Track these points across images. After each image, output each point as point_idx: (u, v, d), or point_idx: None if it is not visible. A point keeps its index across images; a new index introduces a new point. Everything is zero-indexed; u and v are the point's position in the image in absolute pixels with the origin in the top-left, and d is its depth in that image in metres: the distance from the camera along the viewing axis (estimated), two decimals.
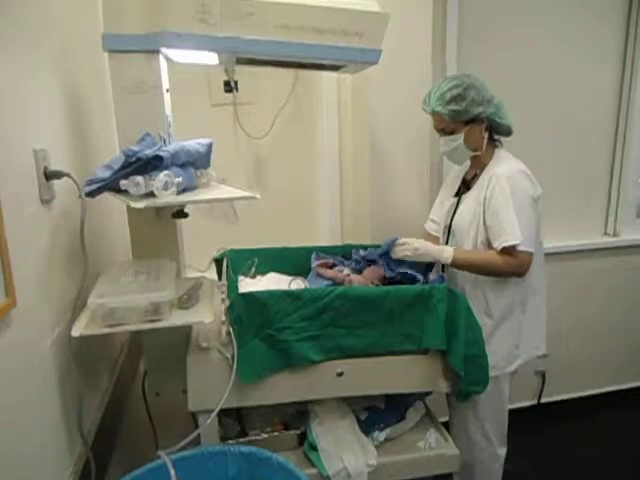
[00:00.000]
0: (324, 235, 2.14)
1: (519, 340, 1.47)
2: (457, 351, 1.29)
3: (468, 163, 1.58)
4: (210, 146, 1.30)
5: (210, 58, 1.32)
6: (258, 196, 1.14)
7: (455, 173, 1.67)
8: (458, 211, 1.54)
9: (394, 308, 1.27)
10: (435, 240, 1.63)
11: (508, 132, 1.52)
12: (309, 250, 1.65)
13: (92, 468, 1.12)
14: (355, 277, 1.50)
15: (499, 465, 1.59)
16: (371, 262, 1.57)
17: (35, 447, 0.96)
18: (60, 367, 1.09)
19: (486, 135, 1.48)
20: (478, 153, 1.50)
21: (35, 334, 1.00)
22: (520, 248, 1.36)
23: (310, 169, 2.20)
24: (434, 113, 1.49)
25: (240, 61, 1.35)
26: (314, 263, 1.57)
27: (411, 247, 1.41)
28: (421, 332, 1.29)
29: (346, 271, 1.54)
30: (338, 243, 2.04)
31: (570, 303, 2.32)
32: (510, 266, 1.38)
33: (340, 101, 2.10)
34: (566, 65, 2.13)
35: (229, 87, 2.02)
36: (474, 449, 1.53)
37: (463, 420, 1.54)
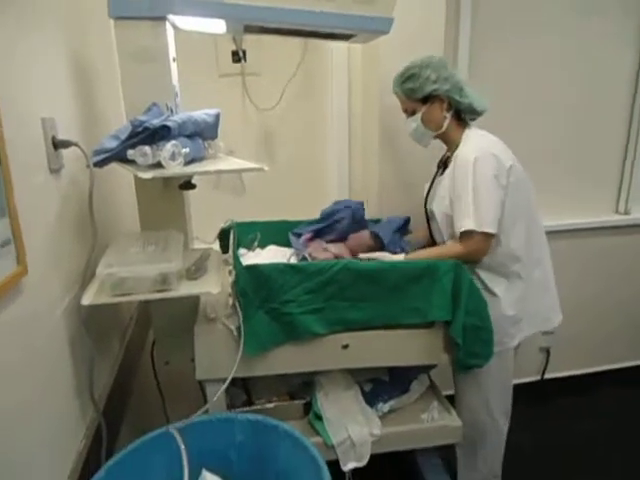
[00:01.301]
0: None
1: (522, 314, 1.46)
2: (457, 320, 1.30)
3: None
4: (218, 116, 1.29)
5: (218, 26, 1.29)
6: (266, 168, 1.14)
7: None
8: (434, 195, 1.53)
9: (399, 282, 1.27)
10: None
11: (474, 111, 1.47)
12: (310, 223, 1.65)
13: (104, 432, 1.15)
14: (344, 253, 1.52)
15: (502, 438, 1.61)
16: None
17: (50, 409, 0.98)
18: (71, 334, 1.11)
19: (448, 115, 1.46)
20: (439, 132, 1.48)
21: (47, 302, 1.02)
22: (477, 231, 1.34)
23: (319, 141, 2.18)
24: (397, 95, 1.51)
25: (248, 29, 1.32)
26: (298, 244, 1.59)
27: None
28: (427, 305, 1.30)
29: (333, 250, 1.54)
30: None
31: (579, 280, 2.31)
32: (460, 252, 1.37)
33: (350, 72, 2.06)
34: (584, 44, 2.06)
35: (237, 57, 1.98)
36: (477, 423, 1.55)
37: (467, 394, 1.55)
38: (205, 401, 1.28)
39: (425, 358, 1.41)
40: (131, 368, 1.60)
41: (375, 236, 1.55)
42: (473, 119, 1.51)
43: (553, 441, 2.11)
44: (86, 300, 1.05)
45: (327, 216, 1.65)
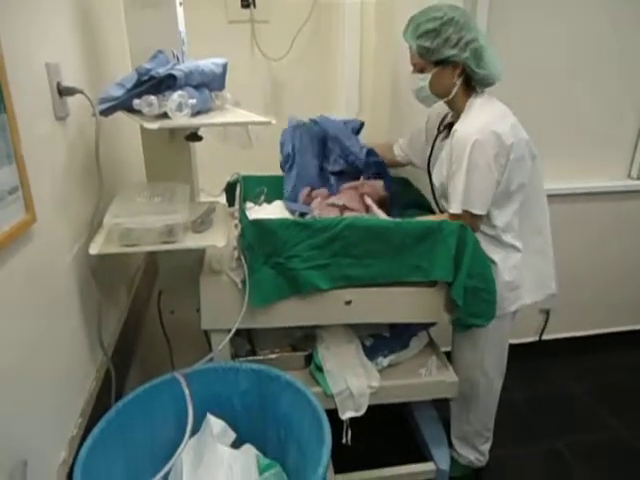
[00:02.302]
0: None
1: (520, 281, 1.47)
2: (458, 282, 1.31)
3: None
4: (225, 66, 1.26)
5: None
6: (273, 121, 1.12)
7: (434, 113, 1.56)
8: (435, 162, 1.47)
9: (404, 240, 1.28)
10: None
11: (487, 83, 1.37)
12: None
13: (112, 376, 1.20)
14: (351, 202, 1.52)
15: (494, 396, 1.66)
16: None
17: (60, 351, 1.02)
18: (80, 281, 1.14)
19: (458, 82, 1.35)
20: (445, 99, 1.38)
21: (55, 249, 1.04)
22: (463, 212, 1.33)
23: (329, 93, 2.13)
24: (407, 43, 1.36)
25: None
26: (300, 206, 1.60)
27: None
28: (430, 264, 1.31)
29: (338, 202, 1.53)
30: None
31: (588, 245, 2.31)
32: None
33: (363, 21, 1.98)
34: (605, 13, 1.96)
35: (246, 1, 1.91)
36: (471, 381, 1.59)
37: (463, 352, 1.59)
38: (210, 350, 1.32)
39: (426, 316, 1.43)
40: (138, 316, 1.65)
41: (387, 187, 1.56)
42: (482, 89, 1.41)
43: (545, 400, 2.17)
44: (93, 249, 1.07)
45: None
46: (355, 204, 1.52)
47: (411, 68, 1.40)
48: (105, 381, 1.21)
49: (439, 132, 1.52)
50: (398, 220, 1.35)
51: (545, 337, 2.47)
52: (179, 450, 1.02)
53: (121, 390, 1.30)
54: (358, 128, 1.71)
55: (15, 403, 0.82)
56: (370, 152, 1.62)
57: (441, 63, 1.33)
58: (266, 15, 1.95)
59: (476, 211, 1.33)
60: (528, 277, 1.48)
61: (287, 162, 1.69)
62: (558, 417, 2.07)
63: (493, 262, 1.43)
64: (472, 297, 1.33)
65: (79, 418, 1.08)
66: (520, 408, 2.08)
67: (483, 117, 1.33)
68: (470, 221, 1.35)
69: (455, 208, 1.34)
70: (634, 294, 2.49)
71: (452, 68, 1.33)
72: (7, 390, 0.80)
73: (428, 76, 1.35)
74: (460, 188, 1.31)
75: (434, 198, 1.56)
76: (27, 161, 0.86)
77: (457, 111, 1.41)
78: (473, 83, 1.38)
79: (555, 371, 2.36)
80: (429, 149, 1.54)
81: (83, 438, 1.00)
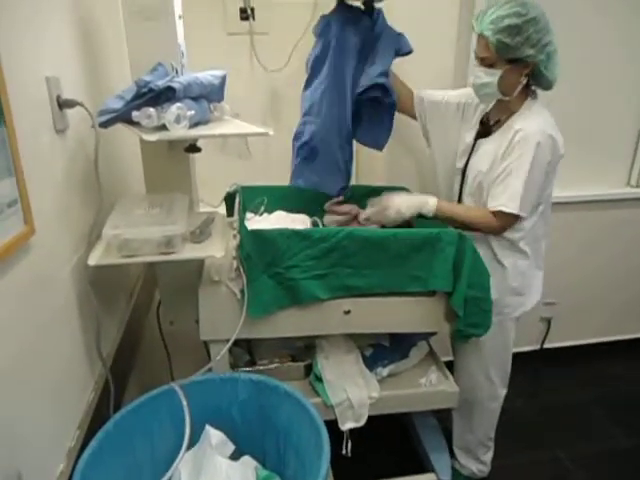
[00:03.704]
0: None
1: (523, 287, 1.47)
2: (458, 292, 1.31)
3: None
4: (224, 78, 1.27)
5: None
6: (271, 132, 1.13)
7: (473, 103, 1.49)
8: (476, 156, 1.45)
9: (402, 250, 1.28)
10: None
11: (548, 86, 1.36)
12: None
13: (111, 387, 1.20)
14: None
15: (498, 404, 1.65)
16: None
17: (59, 364, 1.02)
18: (79, 293, 1.14)
19: (524, 81, 1.32)
20: (506, 98, 1.35)
21: (54, 262, 1.04)
22: (510, 213, 1.32)
23: None
24: (481, 37, 1.29)
25: None
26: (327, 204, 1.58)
27: (393, 210, 1.39)
28: (429, 274, 1.31)
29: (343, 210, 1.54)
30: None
31: (587, 252, 2.31)
32: (491, 226, 1.35)
33: None
34: (606, 18, 1.97)
35: (245, 14, 1.93)
36: (475, 388, 1.59)
37: (467, 360, 1.58)
38: (209, 360, 1.32)
39: (426, 326, 1.43)
40: (138, 327, 1.65)
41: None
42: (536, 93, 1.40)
43: (547, 408, 2.16)
44: (92, 260, 1.07)
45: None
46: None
47: (475, 60, 1.34)
48: (104, 392, 1.21)
49: (485, 129, 1.45)
50: (396, 230, 1.35)
51: (547, 345, 2.46)
52: (176, 462, 1.02)
53: (120, 401, 1.29)
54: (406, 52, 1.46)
55: (12, 414, 0.82)
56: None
57: (515, 61, 1.28)
58: (265, 27, 1.96)
59: (523, 213, 1.33)
60: (530, 283, 1.48)
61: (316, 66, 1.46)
62: (559, 426, 2.06)
63: (503, 266, 1.43)
64: (472, 307, 1.33)
65: (77, 430, 1.07)
66: (521, 417, 2.06)
67: (541, 120, 1.33)
68: (508, 221, 1.34)
69: (513, 207, 1.31)
70: (636, 302, 2.48)
71: (523, 67, 1.29)
72: (3, 402, 0.80)
73: (497, 72, 1.29)
74: (519, 187, 1.29)
75: (458, 190, 1.51)
76: (26, 174, 0.87)
77: (509, 110, 1.38)
78: (533, 85, 1.37)
79: (556, 380, 2.34)
80: (469, 143, 1.47)
81: (81, 450, 1.00)
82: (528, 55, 1.26)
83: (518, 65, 1.29)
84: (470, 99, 1.49)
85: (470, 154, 1.47)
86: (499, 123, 1.41)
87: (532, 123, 1.32)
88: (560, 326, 2.40)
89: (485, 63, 1.30)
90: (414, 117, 1.61)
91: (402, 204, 1.40)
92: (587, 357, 2.45)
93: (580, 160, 2.16)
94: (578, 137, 2.12)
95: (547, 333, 2.42)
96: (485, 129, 1.45)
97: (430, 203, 1.38)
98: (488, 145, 1.40)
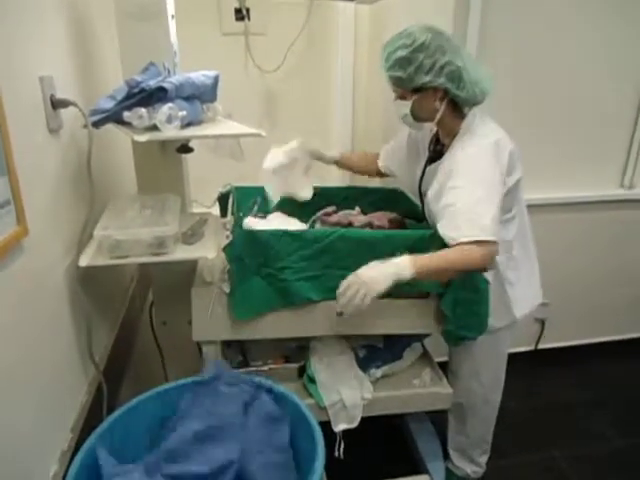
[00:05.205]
0: (334, 176, 2.12)
1: (515, 295, 1.46)
2: (448, 293, 1.30)
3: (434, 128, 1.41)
4: (217, 78, 1.27)
5: None
6: (263, 134, 1.12)
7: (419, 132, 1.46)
8: (424, 182, 1.41)
9: (394, 252, 1.27)
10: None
11: (475, 102, 1.29)
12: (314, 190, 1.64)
13: (104, 390, 1.19)
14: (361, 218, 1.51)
15: (492, 409, 1.64)
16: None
17: (51, 366, 1.02)
18: (72, 294, 1.14)
19: (442, 106, 1.28)
20: (431, 125, 1.32)
21: (47, 262, 1.04)
22: (488, 240, 1.18)
23: (322, 105, 2.14)
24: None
25: None
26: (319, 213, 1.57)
27: (361, 293, 1.14)
28: None
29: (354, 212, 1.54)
30: (346, 184, 2.02)
31: (580, 254, 2.31)
32: (489, 259, 1.21)
33: (356, 33, 2.00)
34: (596, 20, 1.98)
35: (240, 14, 1.93)
36: (468, 392, 1.58)
37: (459, 363, 1.58)
38: (202, 361, 1.32)
39: (419, 327, 1.43)
40: (132, 327, 1.64)
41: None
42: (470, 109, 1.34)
43: (541, 409, 2.16)
44: (83, 261, 1.07)
45: None
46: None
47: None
48: (97, 394, 1.20)
49: (434, 153, 1.43)
50: (388, 232, 1.35)
51: (541, 346, 2.46)
52: None
53: (114, 402, 1.29)
54: None
55: (2, 417, 0.82)
56: None
57: (419, 90, 1.26)
58: (260, 27, 1.96)
59: (492, 237, 1.18)
60: (520, 289, 1.48)
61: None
62: (554, 427, 2.06)
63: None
64: (463, 309, 1.32)
65: (70, 433, 1.07)
66: (516, 418, 2.06)
67: (484, 138, 1.27)
68: (492, 248, 1.19)
69: (484, 234, 1.17)
70: (630, 303, 2.49)
71: (433, 93, 1.26)
72: None
73: (408, 103, 1.29)
74: (481, 211, 1.18)
75: (422, 214, 1.48)
76: (19, 174, 0.87)
77: (450, 133, 1.35)
78: (460, 105, 1.32)
79: (551, 380, 2.35)
80: (419, 171, 1.46)
81: (74, 453, 0.99)
82: (425, 82, 1.23)
83: (426, 93, 1.26)
84: (416, 132, 1.50)
85: (421, 179, 1.46)
86: (445, 147, 1.38)
87: (472, 141, 1.27)
88: (554, 327, 2.41)
89: (398, 96, 1.31)
90: (387, 176, 1.66)
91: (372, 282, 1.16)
92: (581, 358, 2.46)
93: (573, 162, 2.18)
94: (571, 139, 2.14)
95: (541, 334, 2.42)
96: (435, 154, 1.42)
97: (402, 265, 1.17)
98: (440, 172, 1.34)
